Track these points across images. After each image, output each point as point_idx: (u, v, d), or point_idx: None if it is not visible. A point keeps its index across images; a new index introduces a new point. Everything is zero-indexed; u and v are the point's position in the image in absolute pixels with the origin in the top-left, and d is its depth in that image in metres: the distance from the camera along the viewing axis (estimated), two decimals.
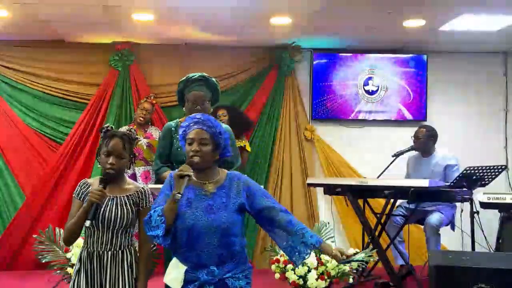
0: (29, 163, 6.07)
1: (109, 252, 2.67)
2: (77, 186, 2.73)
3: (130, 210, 2.69)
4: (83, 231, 2.69)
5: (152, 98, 5.89)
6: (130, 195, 2.72)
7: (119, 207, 2.67)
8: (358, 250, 4.30)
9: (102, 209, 2.65)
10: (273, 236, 2.65)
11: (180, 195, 2.46)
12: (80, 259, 2.70)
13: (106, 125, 2.79)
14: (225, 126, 3.90)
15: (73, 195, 2.73)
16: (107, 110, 6.13)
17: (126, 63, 6.19)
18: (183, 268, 2.56)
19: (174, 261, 2.62)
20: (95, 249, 2.67)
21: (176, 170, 2.56)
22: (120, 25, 5.54)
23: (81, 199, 2.68)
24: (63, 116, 6.19)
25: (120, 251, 2.69)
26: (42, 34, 5.87)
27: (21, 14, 5.13)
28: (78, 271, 2.69)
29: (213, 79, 3.81)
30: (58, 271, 4.01)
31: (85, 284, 2.65)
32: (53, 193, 5.96)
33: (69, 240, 2.69)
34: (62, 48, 6.20)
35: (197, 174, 2.61)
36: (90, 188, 2.68)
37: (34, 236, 4.15)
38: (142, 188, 2.79)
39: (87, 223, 2.56)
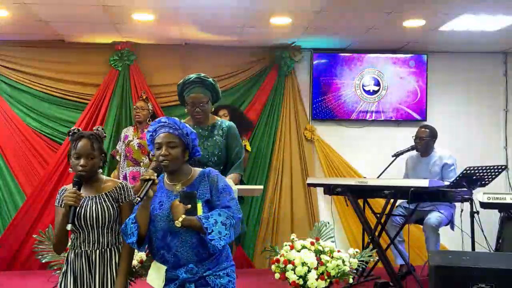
0: (29, 163, 6.08)
1: (97, 251, 2.69)
2: (57, 195, 2.75)
3: (110, 206, 2.71)
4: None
5: (143, 94, 5.87)
6: (108, 192, 2.74)
7: (99, 205, 2.68)
8: (358, 250, 4.30)
9: (83, 209, 2.66)
10: None
11: (139, 199, 2.48)
12: (67, 261, 2.73)
13: (72, 128, 2.79)
14: (229, 122, 3.93)
15: (55, 205, 2.73)
16: (107, 110, 6.13)
17: (126, 63, 6.19)
18: (163, 268, 2.59)
19: (155, 262, 2.65)
20: (82, 249, 2.69)
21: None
22: (120, 25, 5.54)
23: (62, 206, 2.68)
24: (63, 116, 6.19)
25: (108, 249, 2.71)
26: (42, 34, 5.87)
27: (21, 14, 5.12)
28: (65, 273, 2.72)
29: (210, 79, 3.80)
30: (58, 271, 4.00)
31: (73, 285, 2.67)
32: (53, 193, 5.94)
33: (59, 248, 2.73)
34: (62, 48, 6.20)
35: (169, 176, 2.67)
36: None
37: (34, 236, 4.14)
38: (120, 183, 2.79)
39: (68, 226, 2.58)
